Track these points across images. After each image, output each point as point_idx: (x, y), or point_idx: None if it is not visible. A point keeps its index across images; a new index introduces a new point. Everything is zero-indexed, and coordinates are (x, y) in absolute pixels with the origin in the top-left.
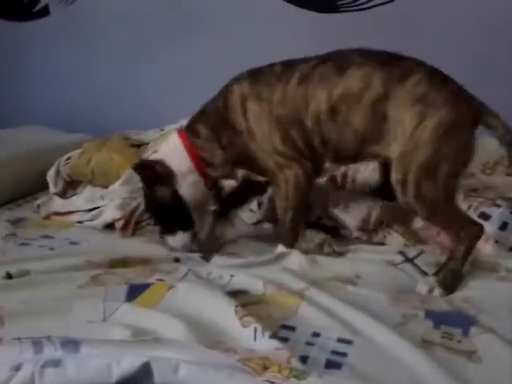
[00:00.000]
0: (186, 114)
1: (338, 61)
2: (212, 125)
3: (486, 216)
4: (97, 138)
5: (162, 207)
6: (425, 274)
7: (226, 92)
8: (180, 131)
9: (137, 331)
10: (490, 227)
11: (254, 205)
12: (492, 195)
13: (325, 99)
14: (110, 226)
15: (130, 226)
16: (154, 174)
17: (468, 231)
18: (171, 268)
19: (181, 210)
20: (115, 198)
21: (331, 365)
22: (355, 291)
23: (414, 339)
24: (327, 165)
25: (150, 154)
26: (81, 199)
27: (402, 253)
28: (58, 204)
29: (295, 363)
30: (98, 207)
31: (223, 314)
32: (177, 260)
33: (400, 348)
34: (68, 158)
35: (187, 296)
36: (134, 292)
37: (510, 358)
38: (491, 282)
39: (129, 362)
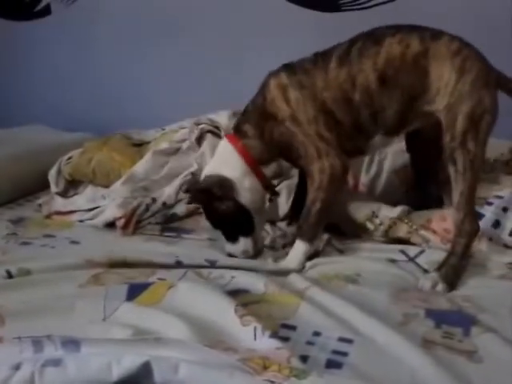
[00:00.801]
0: (186, 113)
1: (370, 37)
2: (255, 121)
3: (479, 215)
4: (98, 137)
5: (223, 218)
6: (426, 272)
7: (263, 87)
8: (228, 135)
9: (137, 330)
10: (483, 225)
11: None
12: (484, 194)
13: (371, 69)
14: (110, 225)
15: (131, 224)
16: (210, 196)
17: (468, 225)
18: (172, 267)
19: (242, 217)
20: (116, 197)
21: (332, 364)
22: (356, 290)
23: (415, 339)
24: (377, 139)
25: (200, 169)
26: (82, 199)
27: (403, 251)
28: (60, 203)
29: (295, 363)
30: (99, 207)
31: (223, 313)
32: (178, 262)
33: (401, 348)
34: (69, 158)
35: (188, 295)
36: (135, 291)
37: (511, 357)
38: (490, 280)
39: (129, 361)
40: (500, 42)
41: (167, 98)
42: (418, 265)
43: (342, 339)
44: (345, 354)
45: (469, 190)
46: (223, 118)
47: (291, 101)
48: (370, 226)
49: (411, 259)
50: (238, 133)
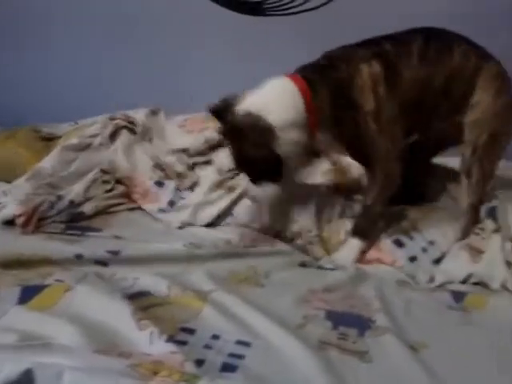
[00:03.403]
0: (100, 111)
1: (440, 37)
2: (332, 90)
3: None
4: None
5: (249, 163)
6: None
7: (352, 68)
8: (292, 75)
9: (24, 336)
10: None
11: None
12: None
13: (443, 74)
14: (10, 223)
15: (32, 222)
16: (242, 138)
17: (468, 225)
18: (72, 268)
19: (274, 167)
20: (18, 193)
21: (227, 368)
22: (263, 292)
23: (311, 341)
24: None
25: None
26: None
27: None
28: None
29: (189, 367)
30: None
31: (120, 316)
32: (79, 257)
33: (296, 350)
34: None
35: (85, 298)
36: (28, 294)
37: (401, 357)
38: (388, 284)
39: (10, 369)
40: None
41: (80, 94)
42: (322, 267)
43: (239, 342)
44: (241, 356)
45: (477, 201)
46: (141, 115)
47: (380, 95)
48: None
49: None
50: (307, 80)
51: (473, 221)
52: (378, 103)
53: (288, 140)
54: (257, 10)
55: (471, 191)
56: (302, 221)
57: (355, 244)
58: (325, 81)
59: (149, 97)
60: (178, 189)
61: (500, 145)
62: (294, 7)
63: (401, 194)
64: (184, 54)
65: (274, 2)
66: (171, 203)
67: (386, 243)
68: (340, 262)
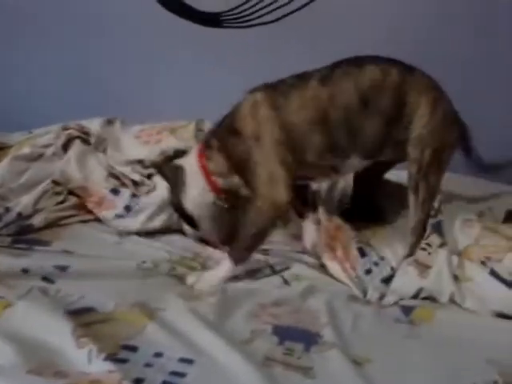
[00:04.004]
0: (56, 119)
1: (352, 61)
2: (221, 135)
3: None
4: None
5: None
6: (287, 283)
7: (239, 103)
8: (201, 143)
9: None
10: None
11: None
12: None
13: (353, 90)
14: None
15: None
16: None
17: (416, 241)
18: (15, 283)
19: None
20: None
21: None
22: (212, 308)
23: (257, 357)
24: (353, 160)
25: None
26: None
27: (270, 266)
28: None
29: None
30: None
31: (59, 334)
32: (25, 271)
33: (240, 367)
34: None
35: (25, 315)
36: None
37: (345, 372)
38: (339, 298)
39: None
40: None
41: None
42: (283, 278)
43: (183, 360)
44: (183, 374)
45: (424, 217)
46: (95, 125)
47: (260, 119)
48: None
49: (277, 272)
50: (204, 143)
51: (420, 237)
52: (259, 127)
53: (192, 192)
54: (214, 21)
55: (419, 208)
56: None
57: (225, 267)
58: (216, 133)
59: (105, 108)
60: (134, 195)
61: (444, 159)
62: (251, 20)
63: (355, 211)
64: (144, 64)
65: (232, 15)
66: (127, 208)
67: (353, 248)
68: (206, 282)
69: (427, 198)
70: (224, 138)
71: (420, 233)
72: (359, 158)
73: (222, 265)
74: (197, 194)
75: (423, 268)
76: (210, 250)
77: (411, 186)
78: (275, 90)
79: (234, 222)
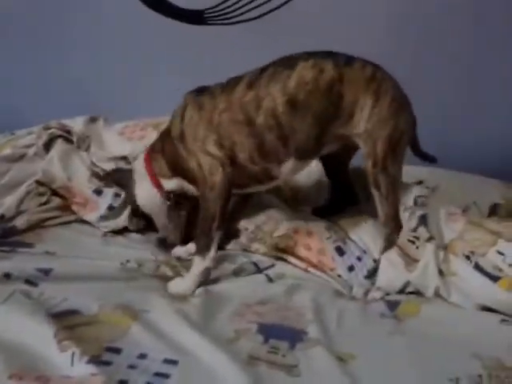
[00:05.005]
0: (39, 119)
1: (283, 61)
2: (161, 137)
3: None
4: None
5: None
6: (271, 281)
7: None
8: (149, 146)
9: None
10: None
11: None
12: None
13: (280, 93)
14: None
15: None
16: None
17: (395, 236)
18: None
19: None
20: None
21: None
22: (197, 307)
23: (241, 357)
24: (290, 164)
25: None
26: None
27: (255, 264)
28: None
29: None
30: None
31: (41, 337)
32: (7, 276)
33: (225, 367)
34: None
35: (6, 319)
36: None
37: (329, 369)
38: (325, 294)
39: None
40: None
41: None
42: (267, 276)
43: (167, 361)
44: (167, 375)
45: (393, 209)
46: (78, 124)
47: (185, 119)
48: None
49: (261, 271)
50: (151, 146)
51: (394, 230)
52: (183, 126)
53: (145, 201)
54: (197, 19)
55: (384, 203)
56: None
57: (197, 261)
58: (159, 136)
59: (86, 106)
60: (117, 194)
61: (399, 148)
62: (234, 17)
63: (335, 202)
64: (126, 64)
65: (214, 12)
66: (110, 208)
67: (329, 249)
68: (184, 285)
69: (391, 190)
70: (163, 140)
71: (392, 226)
72: (296, 160)
73: (194, 263)
74: (146, 194)
75: (410, 261)
76: (174, 251)
77: (371, 181)
78: (204, 91)
79: (190, 220)
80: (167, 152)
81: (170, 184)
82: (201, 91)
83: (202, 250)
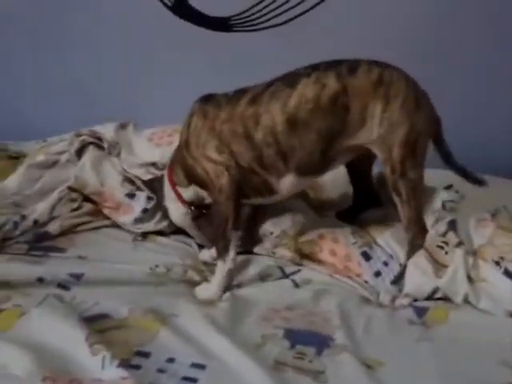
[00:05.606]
0: (67, 126)
1: (286, 78)
2: (177, 146)
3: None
4: None
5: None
6: (297, 286)
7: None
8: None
9: None
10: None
11: None
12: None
13: (279, 111)
14: None
15: None
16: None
17: (419, 241)
18: (31, 291)
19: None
20: None
21: None
22: (225, 311)
23: (267, 362)
24: (289, 179)
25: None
26: None
27: (281, 268)
28: None
29: None
30: None
31: (73, 341)
32: (40, 280)
33: (251, 372)
34: None
35: (40, 323)
36: None
37: (356, 376)
38: (352, 300)
39: None
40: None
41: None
42: (293, 282)
43: (194, 365)
44: (195, 380)
45: (415, 214)
46: (109, 130)
47: (190, 128)
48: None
49: (287, 276)
50: (172, 156)
51: (418, 234)
52: (188, 134)
53: (173, 215)
54: (223, 26)
55: (405, 207)
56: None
57: (219, 266)
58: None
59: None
60: (149, 197)
61: (418, 150)
62: (260, 23)
63: (354, 206)
64: (140, 68)
65: (240, 19)
66: (145, 211)
67: (354, 254)
68: (210, 290)
69: (411, 195)
70: (178, 149)
71: (416, 231)
72: (296, 176)
73: (217, 268)
74: (173, 207)
75: (440, 267)
76: (201, 255)
77: (391, 187)
78: (211, 100)
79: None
80: (180, 160)
81: (188, 192)
82: (208, 99)
83: (221, 254)
